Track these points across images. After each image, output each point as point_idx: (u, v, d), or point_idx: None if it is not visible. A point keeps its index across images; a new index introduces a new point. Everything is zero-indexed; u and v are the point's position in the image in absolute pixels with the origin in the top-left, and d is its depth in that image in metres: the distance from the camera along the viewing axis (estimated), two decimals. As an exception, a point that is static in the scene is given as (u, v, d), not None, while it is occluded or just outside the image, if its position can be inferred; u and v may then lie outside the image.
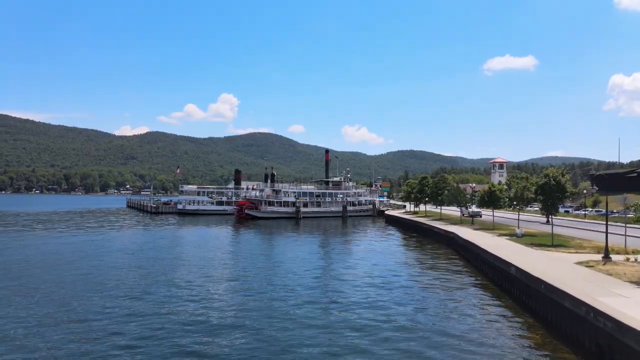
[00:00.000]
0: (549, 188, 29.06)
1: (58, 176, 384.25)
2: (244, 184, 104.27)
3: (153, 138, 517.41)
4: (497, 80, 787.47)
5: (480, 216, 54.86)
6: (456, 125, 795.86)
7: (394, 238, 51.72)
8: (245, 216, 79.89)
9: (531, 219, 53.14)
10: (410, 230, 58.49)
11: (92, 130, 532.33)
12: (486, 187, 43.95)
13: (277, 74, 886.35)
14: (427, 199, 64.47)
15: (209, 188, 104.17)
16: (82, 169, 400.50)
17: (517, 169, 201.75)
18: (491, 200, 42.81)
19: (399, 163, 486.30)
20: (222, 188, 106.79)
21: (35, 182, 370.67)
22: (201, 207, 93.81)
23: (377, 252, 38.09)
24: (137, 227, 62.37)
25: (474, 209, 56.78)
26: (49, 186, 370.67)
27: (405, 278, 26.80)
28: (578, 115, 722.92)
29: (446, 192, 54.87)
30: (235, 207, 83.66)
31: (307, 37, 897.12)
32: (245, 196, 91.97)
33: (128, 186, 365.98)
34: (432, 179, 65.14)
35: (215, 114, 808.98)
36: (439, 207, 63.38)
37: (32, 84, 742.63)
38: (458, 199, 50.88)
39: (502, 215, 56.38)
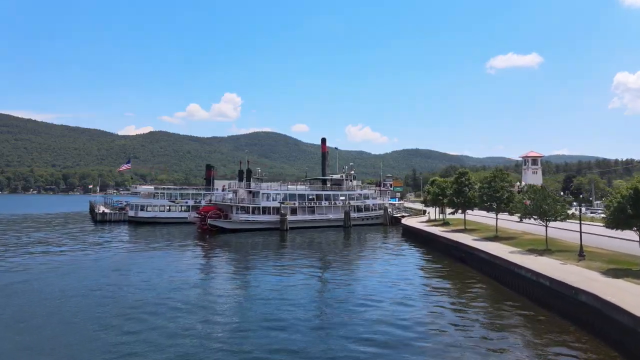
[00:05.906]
0: None
1: (56, 176, 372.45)
2: (218, 183, 79.23)
3: (156, 138, 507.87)
4: (500, 79, 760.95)
5: None
6: (460, 124, 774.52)
7: (428, 277, 29.35)
8: (208, 228, 57.55)
9: (614, 234, 29.87)
10: (448, 255, 35.99)
11: (94, 130, 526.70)
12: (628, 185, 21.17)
13: (279, 74, 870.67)
14: (467, 204, 42.70)
15: (170, 188, 78.12)
16: (82, 168, 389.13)
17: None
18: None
19: (404, 162, 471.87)
20: (188, 188, 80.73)
21: (33, 182, 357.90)
22: (159, 215, 70.44)
23: (407, 337, 15.87)
24: (23, 257, 40.05)
25: None
26: (47, 186, 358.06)
27: None
28: (583, 113, 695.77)
29: (517, 195, 32.13)
30: (196, 216, 60.02)
31: (309, 36, 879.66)
32: (211, 200, 67.59)
33: (126, 185, 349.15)
34: (477, 176, 42.95)
35: (218, 114, 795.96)
36: (470, 214, 41.11)
37: (34, 84, 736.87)
38: (548, 210, 26.98)
39: (571, 229, 32.85)
